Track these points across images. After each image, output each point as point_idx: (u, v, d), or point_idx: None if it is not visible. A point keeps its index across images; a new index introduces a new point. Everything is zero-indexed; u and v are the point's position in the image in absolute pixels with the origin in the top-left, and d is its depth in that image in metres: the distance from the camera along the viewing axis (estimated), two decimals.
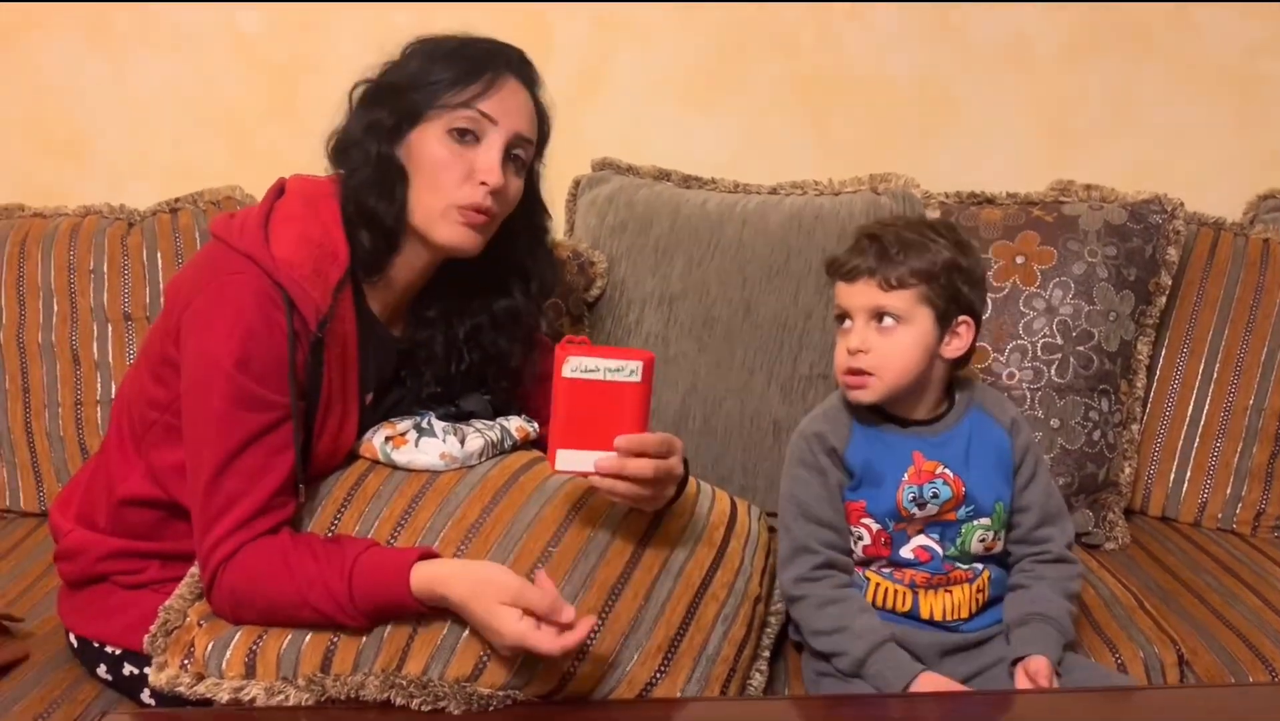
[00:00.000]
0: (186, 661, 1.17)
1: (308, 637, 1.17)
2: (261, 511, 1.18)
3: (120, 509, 1.31)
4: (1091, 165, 1.99)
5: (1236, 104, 2.05)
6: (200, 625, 1.20)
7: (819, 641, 1.30)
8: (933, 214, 1.78)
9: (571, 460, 1.14)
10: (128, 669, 1.28)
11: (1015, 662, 1.28)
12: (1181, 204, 1.79)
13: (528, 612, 1.08)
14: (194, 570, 1.24)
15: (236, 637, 1.18)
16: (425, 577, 1.13)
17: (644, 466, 1.16)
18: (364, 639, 1.16)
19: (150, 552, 1.31)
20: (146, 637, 1.18)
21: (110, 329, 1.79)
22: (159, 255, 1.81)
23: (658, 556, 1.26)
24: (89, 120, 2.02)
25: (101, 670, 1.31)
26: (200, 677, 1.16)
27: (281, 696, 1.14)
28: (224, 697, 1.15)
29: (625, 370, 1.12)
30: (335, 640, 1.17)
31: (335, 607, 1.15)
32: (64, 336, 1.79)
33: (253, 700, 1.14)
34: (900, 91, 2.04)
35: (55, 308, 1.79)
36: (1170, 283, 1.79)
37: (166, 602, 1.21)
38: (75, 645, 1.34)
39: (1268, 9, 2.01)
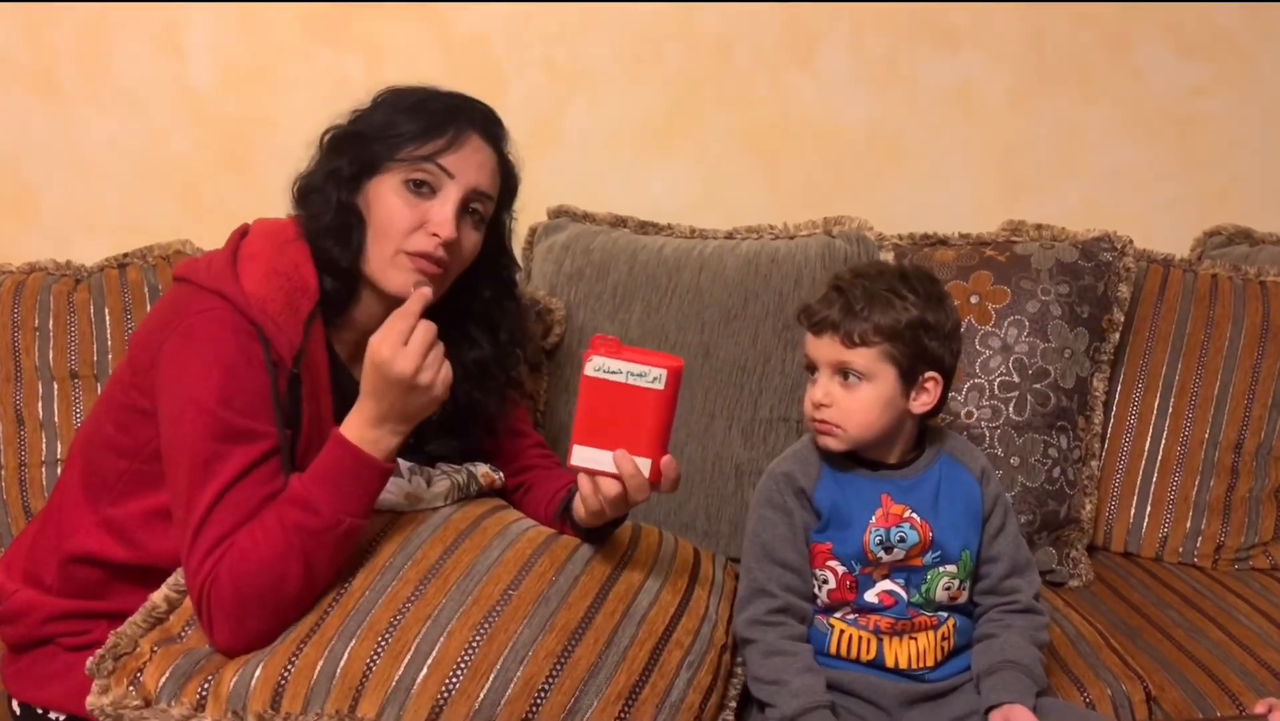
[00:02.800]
0: (132, 688, 1.14)
1: (258, 671, 1.14)
2: None
3: (68, 565, 1.27)
4: (1041, 207, 2.03)
5: (1179, 144, 2.10)
6: (154, 651, 1.16)
7: (757, 688, 1.28)
8: (886, 256, 1.79)
9: (587, 457, 1.14)
10: None
11: (989, 711, 1.26)
12: (1131, 241, 1.82)
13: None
14: (152, 598, 1.20)
15: (195, 669, 1.14)
16: (346, 428, 1.18)
17: (645, 490, 1.17)
18: (316, 670, 1.13)
19: (98, 613, 1.27)
20: (91, 659, 1.14)
21: (56, 388, 1.75)
22: (106, 312, 1.77)
23: (620, 602, 1.24)
24: (36, 176, 1.99)
25: None
26: (147, 704, 1.13)
27: None
28: None
29: (648, 376, 1.11)
30: (287, 673, 1.13)
31: (307, 513, 1.14)
32: (7, 396, 1.74)
33: None
34: (852, 138, 2.07)
35: None
36: (1123, 319, 1.81)
37: (119, 628, 1.17)
38: (17, 712, 1.29)
39: (1205, 51, 2.07)
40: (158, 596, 1.21)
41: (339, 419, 1.28)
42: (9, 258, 1.88)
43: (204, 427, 1.16)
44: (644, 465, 1.15)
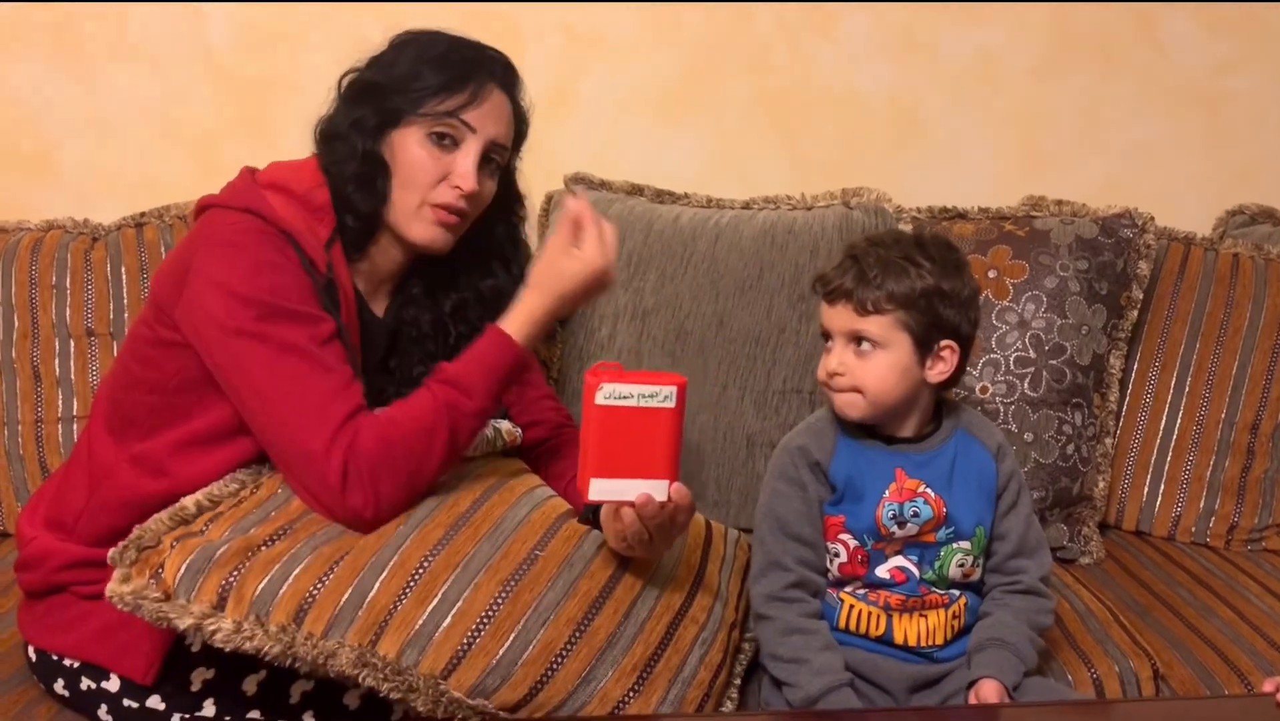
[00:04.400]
0: (153, 581, 1.12)
1: (288, 581, 1.12)
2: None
3: (96, 511, 1.27)
4: (1062, 182, 2.00)
5: (1203, 121, 2.07)
6: (173, 546, 1.14)
7: (775, 667, 1.28)
8: (905, 228, 1.78)
9: (605, 489, 1.12)
10: (85, 683, 1.25)
11: (970, 687, 1.26)
12: (1152, 218, 1.80)
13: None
14: (182, 501, 1.21)
15: (213, 563, 1.12)
16: (509, 325, 1.26)
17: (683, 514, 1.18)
18: (344, 597, 1.12)
19: None
20: (113, 550, 1.13)
21: (73, 345, 1.76)
22: (123, 270, 1.78)
23: (640, 574, 1.24)
24: (55, 134, 1.99)
25: (59, 685, 1.27)
26: (168, 597, 1.11)
27: (247, 636, 1.09)
28: (185, 623, 1.09)
29: (659, 396, 1.10)
30: (315, 591, 1.12)
31: (460, 394, 1.21)
32: (24, 353, 1.75)
33: (215, 632, 1.09)
34: (871, 108, 2.05)
35: (15, 323, 1.76)
36: (1141, 296, 1.80)
37: (144, 524, 1.17)
38: (33, 659, 1.30)
39: (1232, 28, 2.03)
40: (188, 500, 1.20)
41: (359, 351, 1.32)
42: (27, 215, 1.89)
43: (262, 322, 1.18)
44: (662, 487, 1.13)
